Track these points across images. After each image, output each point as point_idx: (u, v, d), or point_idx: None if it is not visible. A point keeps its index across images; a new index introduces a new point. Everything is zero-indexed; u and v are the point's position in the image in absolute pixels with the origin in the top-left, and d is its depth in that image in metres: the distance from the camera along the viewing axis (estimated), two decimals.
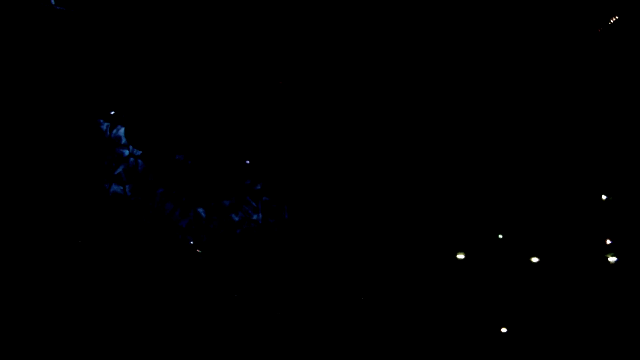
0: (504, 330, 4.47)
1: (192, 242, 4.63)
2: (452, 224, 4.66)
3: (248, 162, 4.75)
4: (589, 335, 4.33)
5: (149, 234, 4.69)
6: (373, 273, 4.59)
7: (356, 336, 4.34)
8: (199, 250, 4.59)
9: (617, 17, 4.35)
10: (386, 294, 4.53)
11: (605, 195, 4.63)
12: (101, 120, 5.02)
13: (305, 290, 4.51)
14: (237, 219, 4.72)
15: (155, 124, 4.95)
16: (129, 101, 5.02)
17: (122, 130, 5.03)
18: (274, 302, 4.38)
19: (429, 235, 4.66)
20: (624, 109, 4.60)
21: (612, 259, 4.52)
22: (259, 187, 4.70)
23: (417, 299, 4.52)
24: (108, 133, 5.04)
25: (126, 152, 5.04)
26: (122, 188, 4.99)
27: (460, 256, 4.61)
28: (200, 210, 4.71)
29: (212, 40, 4.87)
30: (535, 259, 4.57)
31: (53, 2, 4.86)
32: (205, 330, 4.23)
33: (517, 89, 4.75)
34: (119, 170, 4.99)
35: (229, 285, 4.41)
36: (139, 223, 4.79)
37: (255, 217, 4.69)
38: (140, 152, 4.89)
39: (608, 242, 4.57)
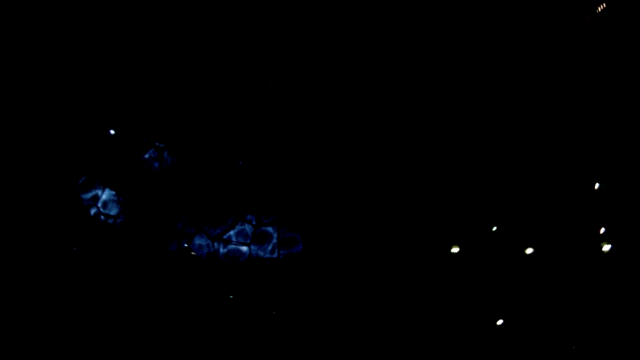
0: (500, 322, 4.49)
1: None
2: (446, 218, 4.66)
3: (240, 162, 4.75)
4: (585, 327, 4.35)
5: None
6: (370, 271, 4.60)
7: (353, 335, 4.36)
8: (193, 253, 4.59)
9: (604, 6, 4.33)
10: (384, 292, 4.55)
11: (598, 183, 4.63)
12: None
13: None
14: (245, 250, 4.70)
15: (150, 123, 4.94)
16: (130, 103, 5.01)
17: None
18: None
19: (424, 231, 4.66)
20: (616, 99, 4.59)
21: (606, 247, 4.54)
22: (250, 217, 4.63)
23: (414, 295, 4.53)
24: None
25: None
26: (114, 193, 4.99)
27: (455, 250, 4.62)
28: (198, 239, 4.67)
29: (208, 42, 4.85)
30: (529, 250, 4.58)
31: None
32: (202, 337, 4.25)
33: (505, 80, 4.74)
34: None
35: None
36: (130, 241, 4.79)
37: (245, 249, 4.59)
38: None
39: (602, 230, 4.58)
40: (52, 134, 4.97)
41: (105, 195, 4.85)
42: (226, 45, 4.84)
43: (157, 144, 4.93)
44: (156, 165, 4.86)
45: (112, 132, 5.05)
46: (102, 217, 4.87)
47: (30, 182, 4.89)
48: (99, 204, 4.86)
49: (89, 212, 4.89)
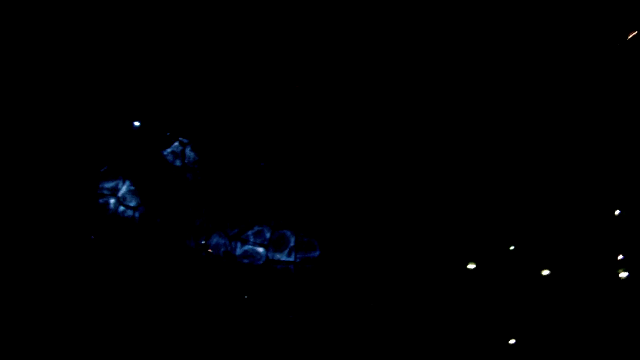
0: (512, 341, 4.47)
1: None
2: (464, 235, 4.65)
3: (263, 164, 4.76)
4: (598, 350, 4.32)
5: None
6: (386, 279, 4.60)
7: (366, 341, 4.35)
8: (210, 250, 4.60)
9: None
10: (398, 302, 4.54)
11: (619, 209, 4.61)
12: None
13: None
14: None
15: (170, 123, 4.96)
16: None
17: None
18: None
19: (441, 246, 4.65)
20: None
21: (623, 275, 4.52)
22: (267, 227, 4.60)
23: (428, 309, 4.53)
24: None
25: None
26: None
27: (471, 266, 4.61)
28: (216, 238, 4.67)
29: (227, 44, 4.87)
30: (546, 272, 4.57)
31: None
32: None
33: (536, 93, 4.72)
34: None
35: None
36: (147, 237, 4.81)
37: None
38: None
39: (620, 257, 4.56)
40: (77, 124, 5.00)
41: (126, 186, 4.87)
42: (256, 46, 4.85)
43: (181, 139, 4.95)
44: (178, 160, 4.88)
45: (136, 124, 5.08)
46: (122, 207, 4.89)
47: (53, 171, 4.92)
48: (120, 194, 4.88)
49: (109, 202, 4.91)
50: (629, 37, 4.34)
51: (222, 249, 4.62)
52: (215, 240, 4.67)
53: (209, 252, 4.57)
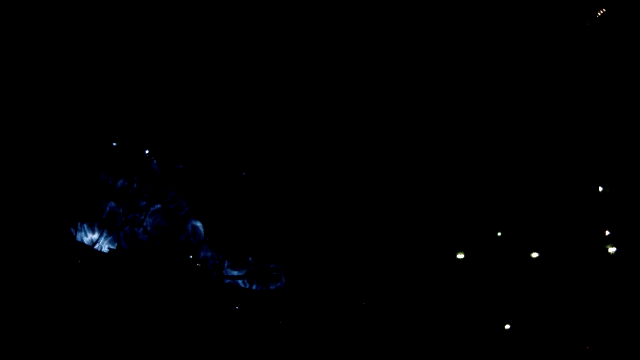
0: (507, 326, 4.48)
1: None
2: (451, 224, 4.66)
3: (244, 173, 4.75)
4: (590, 328, 4.34)
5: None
6: (375, 277, 4.60)
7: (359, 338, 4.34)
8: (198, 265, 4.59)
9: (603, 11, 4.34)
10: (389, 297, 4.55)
11: (602, 187, 4.64)
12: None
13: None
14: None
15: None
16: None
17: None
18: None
19: (429, 237, 4.66)
20: (619, 102, 4.60)
21: (611, 250, 4.53)
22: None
23: (419, 299, 4.53)
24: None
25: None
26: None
27: (460, 256, 4.62)
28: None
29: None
30: (535, 254, 4.58)
31: None
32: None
33: (511, 84, 4.74)
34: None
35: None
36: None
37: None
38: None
39: (607, 233, 4.58)
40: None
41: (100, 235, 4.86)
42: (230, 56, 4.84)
43: (160, 155, 4.93)
44: (160, 174, 4.86)
45: (114, 144, 5.05)
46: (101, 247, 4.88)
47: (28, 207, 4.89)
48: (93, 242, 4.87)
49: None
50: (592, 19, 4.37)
51: (211, 262, 4.62)
52: (203, 254, 4.67)
53: (198, 265, 4.57)
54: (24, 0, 4.72)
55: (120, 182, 4.96)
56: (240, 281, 4.61)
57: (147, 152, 4.95)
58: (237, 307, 4.32)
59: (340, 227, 4.68)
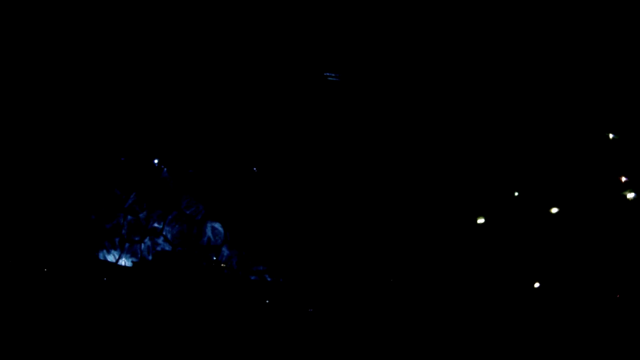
0: (536, 285, 4.48)
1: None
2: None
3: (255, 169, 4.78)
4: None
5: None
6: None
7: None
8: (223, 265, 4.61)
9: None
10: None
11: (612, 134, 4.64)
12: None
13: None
14: None
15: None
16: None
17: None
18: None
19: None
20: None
21: (630, 195, 4.53)
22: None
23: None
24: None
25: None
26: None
27: (481, 220, 4.63)
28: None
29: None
30: (555, 209, 4.58)
31: None
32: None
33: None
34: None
35: None
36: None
37: None
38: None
39: (623, 179, 4.57)
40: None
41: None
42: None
43: (168, 162, 4.96)
44: (172, 181, 4.89)
45: (122, 159, 5.08)
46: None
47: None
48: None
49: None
50: None
51: (235, 260, 4.65)
52: (225, 253, 4.71)
53: (222, 266, 4.59)
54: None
55: (133, 195, 5.00)
56: (267, 275, 4.64)
57: (156, 161, 4.98)
58: (267, 301, 4.35)
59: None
